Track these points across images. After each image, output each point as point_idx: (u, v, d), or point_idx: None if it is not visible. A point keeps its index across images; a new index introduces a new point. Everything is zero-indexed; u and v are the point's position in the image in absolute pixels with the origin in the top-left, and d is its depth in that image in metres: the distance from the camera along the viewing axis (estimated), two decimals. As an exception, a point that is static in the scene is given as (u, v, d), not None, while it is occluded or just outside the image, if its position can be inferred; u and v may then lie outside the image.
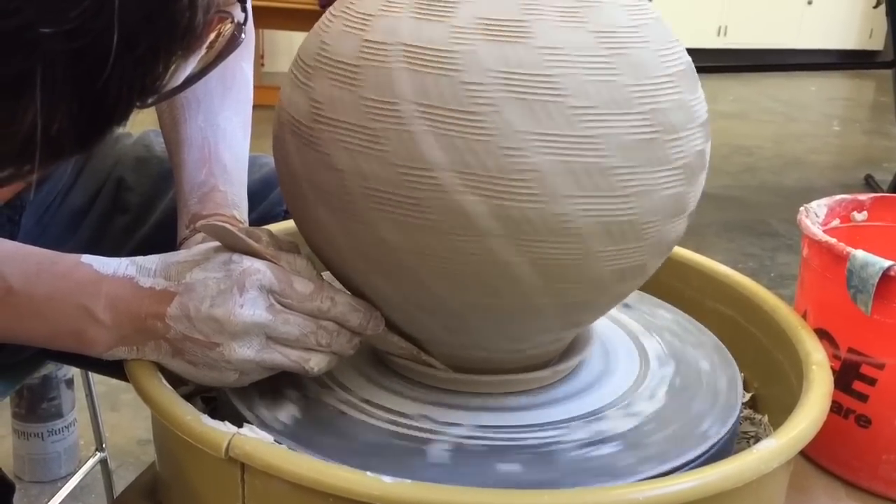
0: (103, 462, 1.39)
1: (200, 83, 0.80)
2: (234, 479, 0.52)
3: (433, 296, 0.56)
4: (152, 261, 0.60)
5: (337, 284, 0.62)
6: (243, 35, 0.51)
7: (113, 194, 0.91)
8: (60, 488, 1.37)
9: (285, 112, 0.58)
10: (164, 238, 0.80)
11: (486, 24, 0.52)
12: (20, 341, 0.61)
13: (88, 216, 0.90)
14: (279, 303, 0.57)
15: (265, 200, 0.91)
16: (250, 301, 0.56)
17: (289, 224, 0.82)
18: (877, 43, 6.16)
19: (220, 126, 0.79)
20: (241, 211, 0.74)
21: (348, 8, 0.57)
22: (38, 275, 0.59)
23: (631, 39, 0.54)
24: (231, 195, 0.74)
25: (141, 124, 0.96)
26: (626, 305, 0.75)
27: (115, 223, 0.91)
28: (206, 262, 0.58)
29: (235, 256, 0.58)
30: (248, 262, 0.57)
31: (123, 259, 0.60)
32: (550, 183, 0.51)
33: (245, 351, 0.56)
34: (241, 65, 0.85)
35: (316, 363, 0.58)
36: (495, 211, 0.51)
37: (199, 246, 0.61)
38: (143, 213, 0.91)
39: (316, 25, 0.60)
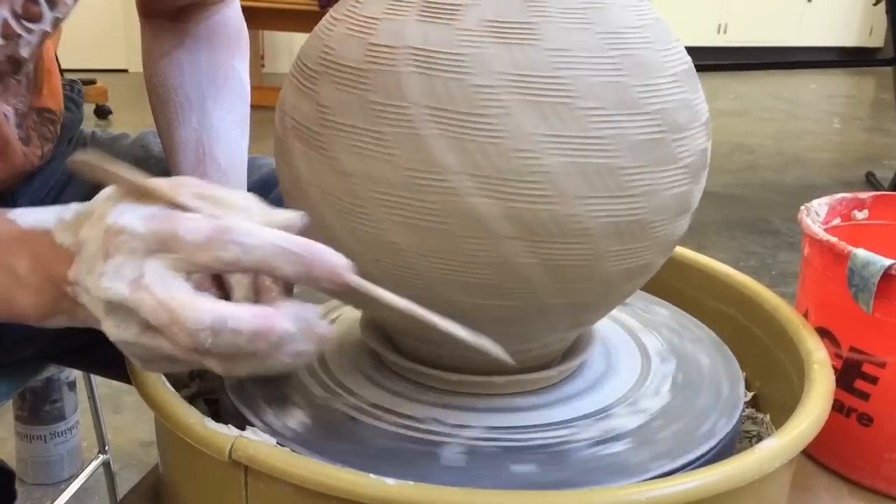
0: (106, 464, 1.39)
1: (192, 85, 0.81)
2: (238, 481, 0.52)
3: (442, 299, 0.56)
4: (72, 210, 0.50)
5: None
6: None
7: None
8: (63, 491, 1.37)
9: (289, 117, 0.58)
10: None
11: (493, 26, 0.52)
12: None
13: None
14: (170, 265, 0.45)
15: (265, 199, 0.91)
16: (112, 271, 0.45)
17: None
18: (877, 40, 6.16)
19: (214, 126, 0.79)
20: None
21: (351, 11, 0.57)
22: None
23: (636, 40, 0.54)
24: None
25: (139, 126, 0.96)
26: (627, 305, 0.75)
27: None
28: (95, 212, 0.48)
29: (122, 206, 0.47)
30: (117, 217, 0.46)
31: (50, 209, 0.51)
32: (562, 184, 0.51)
33: (120, 332, 0.46)
34: (233, 63, 0.85)
35: (216, 364, 0.46)
36: (508, 213, 0.51)
37: (105, 190, 0.50)
38: None
39: (317, 28, 0.60)
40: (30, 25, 0.70)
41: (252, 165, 0.92)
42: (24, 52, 0.71)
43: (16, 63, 0.72)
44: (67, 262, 0.48)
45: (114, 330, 0.46)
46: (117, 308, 0.45)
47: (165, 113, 0.82)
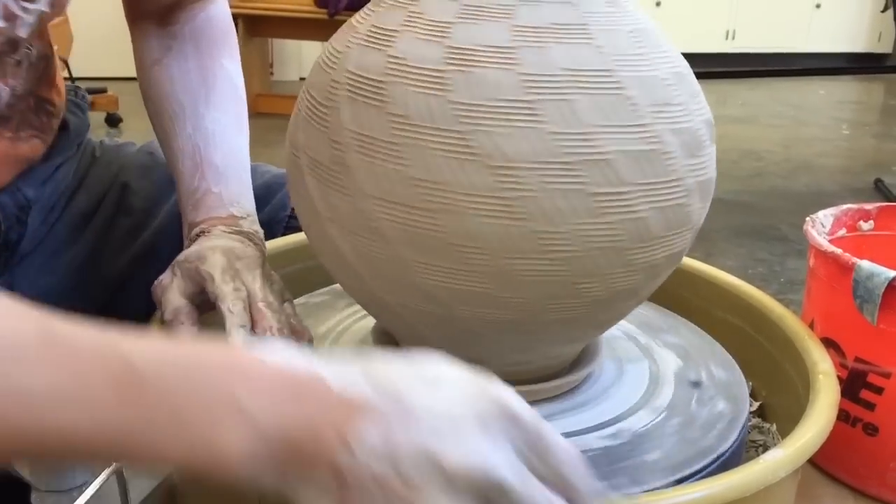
0: (119, 472, 1.40)
1: (183, 91, 0.82)
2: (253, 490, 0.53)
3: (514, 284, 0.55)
4: (339, 359, 0.43)
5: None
6: None
7: (117, 199, 0.93)
8: (76, 498, 1.38)
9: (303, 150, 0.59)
10: (167, 243, 0.81)
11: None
12: (122, 459, 0.46)
13: (94, 220, 0.91)
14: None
15: (268, 205, 0.93)
16: (499, 448, 0.40)
17: (298, 237, 0.83)
18: (886, 46, 6.15)
19: (209, 129, 0.80)
20: (242, 205, 0.75)
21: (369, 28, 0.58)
22: (175, 351, 0.43)
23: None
24: (226, 194, 0.75)
25: (149, 133, 0.98)
26: (634, 316, 0.76)
27: (119, 226, 0.92)
28: (438, 382, 0.42)
29: (482, 381, 0.43)
30: (505, 391, 0.43)
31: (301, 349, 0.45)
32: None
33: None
34: (221, 62, 0.86)
35: None
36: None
37: (418, 361, 0.44)
38: (147, 216, 0.92)
39: (321, 59, 0.61)
40: (27, 5, 0.72)
41: (254, 172, 0.93)
42: (22, 33, 0.73)
43: (13, 43, 0.74)
44: (359, 415, 0.40)
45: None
46: (479, 485, 0.39)
47: (161, 122, 0.84)
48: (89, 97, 0.97)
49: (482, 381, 0.43)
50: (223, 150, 0.79)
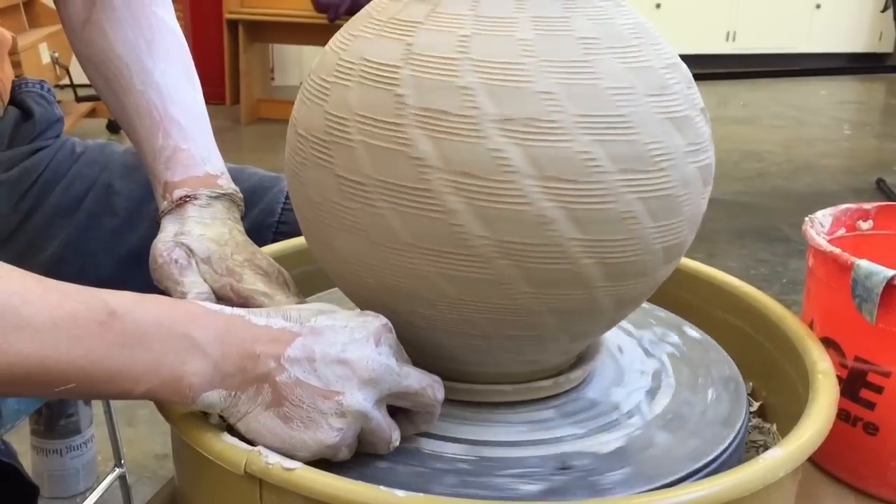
0: (122, 477, 1.40)
1: (122, 45, 0.80)
2: (253, 494, 0.53)
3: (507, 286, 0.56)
4: (263, 309, 0.57)
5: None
6: None
7: (101, 198, 0.92)
8: (80, 504, 1.39)
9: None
10: None
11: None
12: (105, 384, 0.52)
13: (75, 216, 0.91)
14: None
15: (255, 208, 0.92)
16: (385, 353, 0.55)
17: (291, 243, 0.83)
18: (886, 46, 6.14)
19: (160, 83, 0.78)
20: (213, 163, 0.75)
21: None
22: (144, 302, 0.53)
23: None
24: (195, 151, 0.74)
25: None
26: (634, 316, 0.76)
27: (103, 224, 0.92)
28: (333, 313, 0.56)
29: (370, 313, 0.57)
30: (385, 320, 0.56)
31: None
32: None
33: (365, 403, 0.53)
34: (154, 10, 0.83)
35: (398, 437, 0.57)
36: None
37: (317, 304, 0.59)
38: (133, 217, 0.91)
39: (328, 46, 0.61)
40: None
41: (241, 174, 0.92)
42: None
43: None
44: (284, 341, 0.53)
45: (360, 399, 0.53)
46: (381, 377, 0.54)
47: (108, 84, 0.81)
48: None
49: (365, 311, 0.57)
50: (182, 106, 0.77)
